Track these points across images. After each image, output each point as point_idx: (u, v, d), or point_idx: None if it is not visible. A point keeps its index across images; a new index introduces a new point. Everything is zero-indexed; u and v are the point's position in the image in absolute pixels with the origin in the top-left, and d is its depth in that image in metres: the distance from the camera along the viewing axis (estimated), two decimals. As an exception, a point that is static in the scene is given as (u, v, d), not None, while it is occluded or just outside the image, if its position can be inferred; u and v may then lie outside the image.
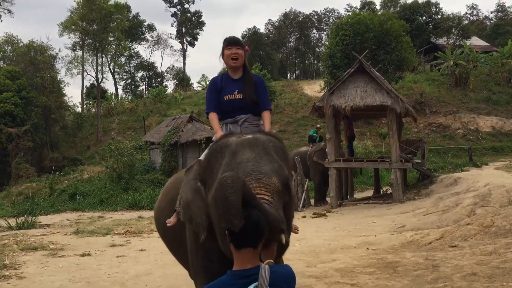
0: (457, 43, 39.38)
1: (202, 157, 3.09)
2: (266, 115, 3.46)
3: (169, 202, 3.73)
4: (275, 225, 2.19)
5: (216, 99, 3.40)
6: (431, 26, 40.01)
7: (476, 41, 41.62)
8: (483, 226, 7.39)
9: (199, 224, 2.65)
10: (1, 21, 43.85)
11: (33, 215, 15.40)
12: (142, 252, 9.00)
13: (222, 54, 3.45)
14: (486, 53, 34.81)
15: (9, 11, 44.60)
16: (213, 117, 3.38)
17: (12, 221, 13.52)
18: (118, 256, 8.50)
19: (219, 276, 2.13)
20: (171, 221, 3.15)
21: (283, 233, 2.29)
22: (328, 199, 15.86)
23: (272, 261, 2.16)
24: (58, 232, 12.06)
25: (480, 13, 60.75)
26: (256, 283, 1.87)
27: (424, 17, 39.98)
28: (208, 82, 34.67)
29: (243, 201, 1.98)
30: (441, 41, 41.44)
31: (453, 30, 41.31)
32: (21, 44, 36.15)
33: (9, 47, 36.67)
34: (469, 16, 58.11)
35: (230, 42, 3.40)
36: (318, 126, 18.49)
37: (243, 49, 3.45)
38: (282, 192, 2.48)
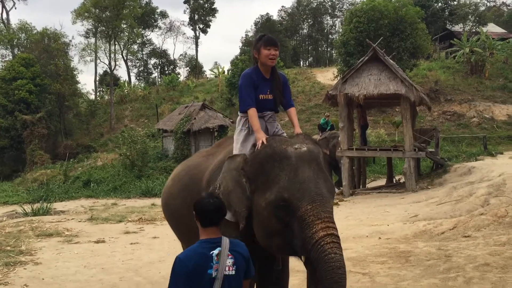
0: (473, 30, 38.68)
1: (242, 149, 3.32)
2: (293, 112, 3.60)
3: (181, 189, 3.85)
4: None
5: (254, 95, 3.38)
6: (447, 13, 39.35)
7: (492, 28, 40.80)
8: (497, 216, 7.33)
9: (239, 213, 2.99)
10: (15, 8, 44.21)
11: (48, 202, 15.65)
12: (155, 239, 9.12)
13: (258, 51, 3.39)
14: (502, 40, 34.18)
15: (23, -2, 44.97)
16: (254, 113, 3.34)
17: (28, 208, 13.75)
18: (131, 243, 8.62)
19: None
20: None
21: None
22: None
23: None
24: (72, 218, 12.25)
25: (497, -1, 59.51)
26: (220, 248, 2.47)
27: (439, 3, 39.32)
28: (220, 69, 34.69)
29: None
30: (457, 28, 40.74)
31: (470, 17, 40.56)
32: (35, 31, 36.30)
33: (23, 35, 36.82)
34: (486, 2, 56.90)
35: (269, 43, 3.37)
36: (327, 114, 18.38)
37: (279, 49, 3.47)
38: (333, 204, 2.97)
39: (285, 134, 3.56)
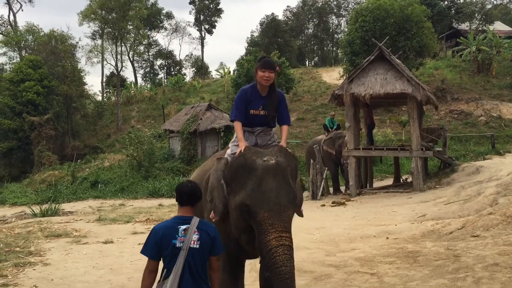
0: (480, 28, 38.43)
1: (229, 152, 3.78)
2: (285, 129, 3.95)
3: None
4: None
5: (243, 110, 3.81)
6: (453, 11, 39.11)
7: (499, 26, 40.52)
8: (505, 216, 7.30)
9: (217, 207, 3.52)
10: (22, 10, 44.43)
11: (56, 203, 15.72)
12: (163, 239, 9.11)
13: (256, 72, 3.82)
14: (510, 38, 33.84)
15: (30, 0, 45.20)
16: (239, 125, 3.78)
17: (36, 208, 13.82)
18: (139, 244, 8.61)
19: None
20: (212, 216, 3.71)
21: None
22: (342, 188, 15.80)
23: None
24: (81, 219, 12.30)
25: (504, -3, 59.06)
26: (188, 225, 3.00)
27: (446, 2, 39.06)
28: (226, 70, 34.89)
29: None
30: (464, 26, 40.48)
31: (476, 15, 40.29)
32: (42, 33, 36.53)
33: (30, 37, 37.04)
34: (492, 0, 56.57)
35: (265, 66, 3.77)
36: (332, 113, 18.32)
37: (275, 72, 3.82)
38: (292, 214, 3.39)
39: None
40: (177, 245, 2.95)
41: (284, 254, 3.09)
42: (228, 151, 3.84)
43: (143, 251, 3.02)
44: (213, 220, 3.64)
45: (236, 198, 3.37)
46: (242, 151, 3.54)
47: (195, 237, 2.98)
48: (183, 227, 2.99)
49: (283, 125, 3.97)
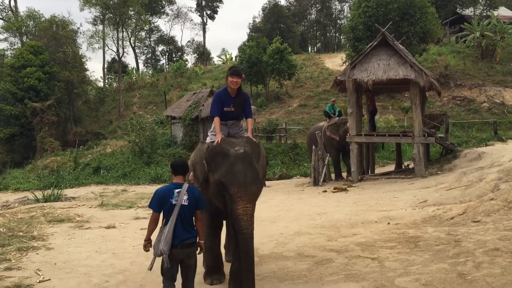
0: (484, 14, 38.12)
1: (208, 140, 5.12)
2: (250, 122, 5.31)
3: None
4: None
5: (220, 108, 5.09)
6: (457, -4, 38.79)
7: (504, 11, 40.18)
8: (507, 202, 7.30)
9: (198, 178, 4.86)
10: (23, -4, 44.07)
11: (59, 188, 15.77)
12: (165, 224, 9.15)
13: (227, 78, 5.09)
14: (514, 24, 33.66)
15: (31, -14, 44.76)
16: (217, 121, 5.04)
17: (39, 194, 13.89)
18: (142, 229, 8.68)
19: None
20: (191, 178, 5.07)
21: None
22: (344, 174, 15.80)
23: None
24: (83, 205, 12.36)
25: (509, -18, 58.39)
26: (180, 189, 4.24)
27: (450, -13, 38.69)
28: (227, 56, 34.83)
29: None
30: (468, 11, 40.15)
31: (480, 0, 39.94)
32: (43, 19, 36.31)
33: (31, 22, 36.80)
34: (497, -15, 55.90)
35: (233, 74, 5.05)
36: (333, 99, 18.19)
37: (241, 78, 5.12)
38: (258, 189, 4.57)
39: (245, 134, 5.17)
40: (173, 203, 4.21)
41: (248, 221, 4.34)
42: (208, 139, 5.12)
43: (150, 205, 4.29)
44: (191, 181, 5.02)
45: (215, 176, 4.59)
46: (219, 141, 4.77)
47: (185, 197, 4.23)
48: (177, 190, 4.25)
49: (248, 118, 5.27)
